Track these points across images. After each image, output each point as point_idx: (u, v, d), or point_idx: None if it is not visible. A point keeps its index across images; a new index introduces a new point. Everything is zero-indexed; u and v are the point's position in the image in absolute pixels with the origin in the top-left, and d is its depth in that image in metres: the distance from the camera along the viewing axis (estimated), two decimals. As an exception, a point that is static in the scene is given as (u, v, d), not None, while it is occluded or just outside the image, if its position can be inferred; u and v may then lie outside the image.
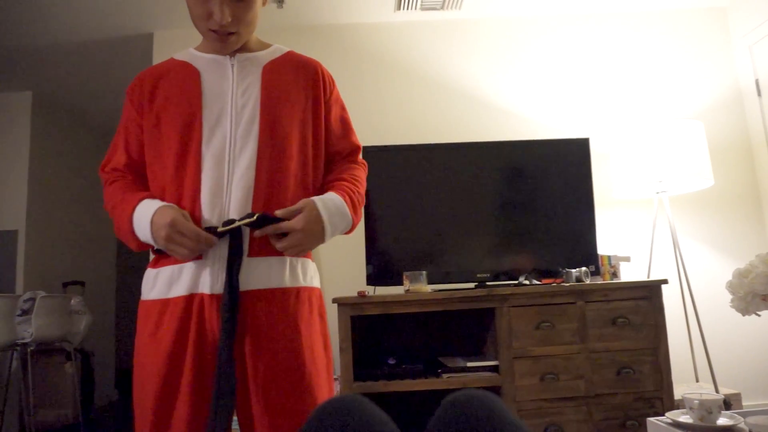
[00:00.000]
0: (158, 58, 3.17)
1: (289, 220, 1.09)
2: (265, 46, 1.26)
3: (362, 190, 1.26)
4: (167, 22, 3.11)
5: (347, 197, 1.18)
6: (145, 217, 1.07)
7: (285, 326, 1.08)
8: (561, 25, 3.21)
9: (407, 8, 3.06)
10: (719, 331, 2.94)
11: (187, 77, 1.16)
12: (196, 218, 1.08)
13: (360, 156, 1.32)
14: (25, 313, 3.46)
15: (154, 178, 1.15)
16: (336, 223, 1.14)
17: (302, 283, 1.14)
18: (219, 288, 1.06)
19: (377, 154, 2.59)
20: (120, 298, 5.52)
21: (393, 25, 3.20)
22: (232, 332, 1.02)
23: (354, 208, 1.19)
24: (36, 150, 4.09)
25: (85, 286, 4.47)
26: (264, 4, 1.23)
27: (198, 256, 1.08)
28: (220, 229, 1.05)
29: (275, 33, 3.14)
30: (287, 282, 1.11)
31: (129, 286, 5.93)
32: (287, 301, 1.10)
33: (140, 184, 1.19)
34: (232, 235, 1.06)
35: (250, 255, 1.09)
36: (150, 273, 1.14)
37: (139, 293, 6.18)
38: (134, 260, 6.08)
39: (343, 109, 1.31)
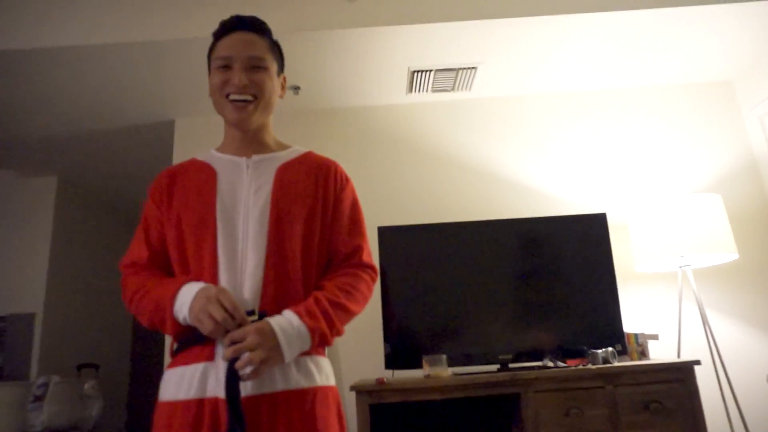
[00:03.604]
0: (179, 144, 3.28)
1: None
2: (283, 147, 1.29)
3: (347, 298, 1.14)
4: (188, 110, 3.24)
5: (312, 312, 1.08)
6: (191, 291, 1.07)
7: (303, 430, 1.03)
8: (572, 101, 3.28)
9: (419, 91, 3.16)
10: (759, 412, 2.77)
11: (204, 177, 1.20)
12: None
13: (363, 258, 1.24)
14: (38, 399, 3.39)
15: (175, 267, 1.17)
16: (292, 343, 1.05)
17: (318, 382, 1.10)
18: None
19: (393, 234, 2.58)
20: (133, 384, 5.42)
21: (405, 107, 3.29)
22: None
23: (322, 319, 1.09)
24: (58, 234, 4.17)
25: (99, 370, 4.41)
26: (282, 95, 1.28)
27: (210, 357, 1.05)
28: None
29: (292, 117, 3.24)
30: (303, 382, 1.08)
31: (142, 373, 5.83)
32: (304, 403, 1.06)
33: (168, 275, 1.20)
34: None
35: None
36: (166, 374, 1.12)
37: (152, 381, 6.09)
38: (149, 347, 6.02)
39: (354, 207, 1.27)
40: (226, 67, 1.18)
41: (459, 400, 2.59)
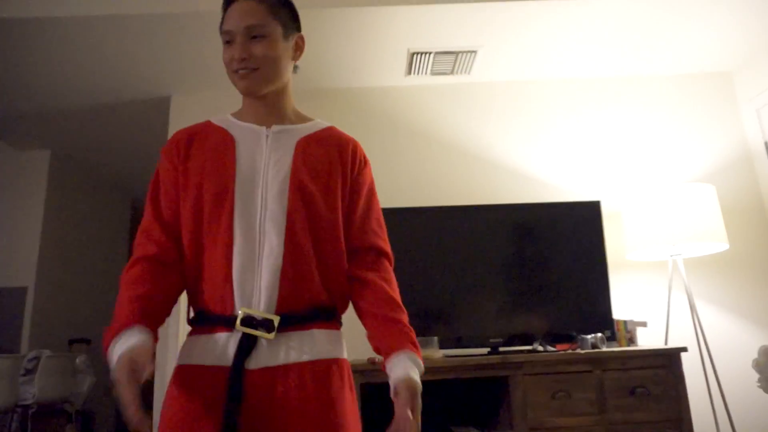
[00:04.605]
0: (175, 120, 3.25)
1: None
2: (304, 120, 1.24)
3: (399, 305, 1.17)
4: (184, 86, 3.21)
5: (412, 340, 1.11)
6: (120, 347, 0.97)
7: (318, 402, 1.02)
8: (570, 88, 3.27)
9: (417, 73, 3.15)
10: (743, 400, 2.83)
11: (222, 144, 1.14)
12: (228, 299, 1.05)
13: (385, 248, 1.25)
14: (29, 372, 3.40)
15: (189, 241, 1.10)
16: (417, 368, 1.07)
17: (332, 355, 1.10)
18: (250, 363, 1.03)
19: (388, 217, 2.58)
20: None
21: (404, 89, 3.28)
22: (232, 413, 0.98)
23: (415, 341, 1.12)
24: (50, 208, 4.15)
25: (90, 344, 4.42)
26: (296, 57, 1.22)
27: (231, 327, 1.04)
28: (238, 328, 1.03)
29: (289, 97, 3.22)
30: (318, 354, 1.07)
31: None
32: (318, 374, 1.05)
33: (161, 276, 1.09)
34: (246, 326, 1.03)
35: (280, 331, 1.05)
36: (190, 339, 1.10)
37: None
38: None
39: (371, 191, 1.25)
40: (230, 42, 1.14)
41: (449, 381, 2.63)
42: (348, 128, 3.21)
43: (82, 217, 4.60)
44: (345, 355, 1.14)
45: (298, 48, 1.22)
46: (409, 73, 3.14)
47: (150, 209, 1.15)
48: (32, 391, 3.30)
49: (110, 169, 4.61)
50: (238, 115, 1.21)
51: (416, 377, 1.04)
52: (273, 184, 1.10)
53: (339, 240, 1.15)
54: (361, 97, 3.27)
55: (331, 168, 1.17)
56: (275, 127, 1.18)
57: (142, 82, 3.14)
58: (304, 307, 1.08)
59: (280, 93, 1.20)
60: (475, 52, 2.94)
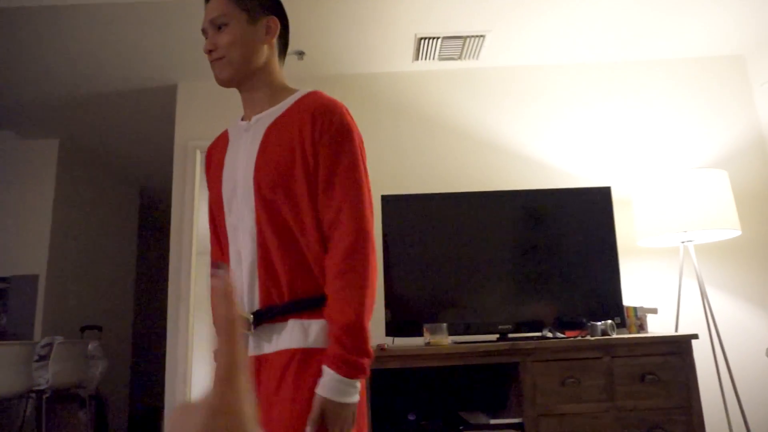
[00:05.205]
0: (182, 108, 3.25)
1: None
2: (284, 97, 1.21)
3: (352, 302, 1.03)
4: (191, 74, 3.19)
5: (337, 358, 1.02)
6: None
7: (285, 390, 1.05)
8: (580, 73, 3.23)
9: (425, 58, 3.11)
10: (754, 388, 2.82)
11: (222, 149, 1.23)
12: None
13: (345, 223, 1.07)
14: (43, 358, 3.45)
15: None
16: (342, 390, 1.01)
17: (301, 344, 1.08)
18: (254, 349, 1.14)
19: (396, 203, 2.58)
20: (136, 343, 5.50)
21: (411, 75, 3.25)
22: None
23: (348, 353, 1.01)
24: (60, 195, 4.17)
25: (102, 331, 4.47)
26: (267, 40, 1.19)
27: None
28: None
29: (295, 83, 3.20)
30: (287, 344, 1.08)
31: (145, 331, 5.91)
32: (281, 364, 1.07)
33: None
34: None
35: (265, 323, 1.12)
36: None
37: (156, 338, 6.15)
38: (151, 309, 6.08)
39: (335, 158, 1.10)
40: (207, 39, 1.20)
41: (458, 368, 2.63)
42: (354, 114, 3.20)
43: (91, 205, 4.63)
44: (321, 344, 1.08)
45: (269, 30, 1.20)
46: (417, 58, 3.11)
47: (212, 227, 1.29)
48: (46, 377, 3.35)
49: (118, 157, 4.62)
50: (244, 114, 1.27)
51: (337, 398, 0.99)
52: (245, 186, 1.13)
53: (306, 236, 1.11)
54: (369, 83, 3.25)
55: (292, 156, 1.10)
56: (254, 118, 1.19)
57: (149, 70, 3.13)
58: (282, 302, 1.10)
59: (258, 78, 1.20)
60: (483, 36, 2.90)
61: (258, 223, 1.10)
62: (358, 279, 1.04)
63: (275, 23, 1.21)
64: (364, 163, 1.14)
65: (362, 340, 1.02)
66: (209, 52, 1.16)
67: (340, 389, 1.01)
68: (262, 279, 1.10)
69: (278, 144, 1.12)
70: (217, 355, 0.34)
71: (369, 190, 1.13)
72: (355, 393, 1.03)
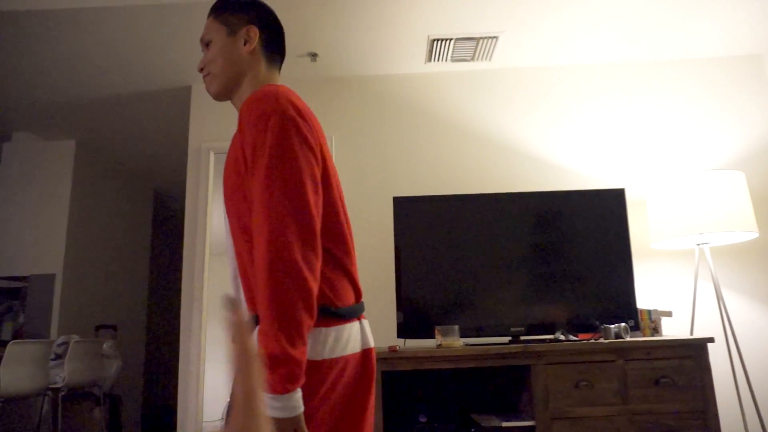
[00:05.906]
0: (196, 109, 3.28)
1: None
2: None
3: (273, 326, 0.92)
4: (205, 75, 3.22)
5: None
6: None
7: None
8: (593, 73, 3.21)
9: (438, 60, 3.11)
10: (770, 391, 2.77)
11: None
12: None
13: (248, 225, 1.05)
14: (59, 357, 3.50)
15: None
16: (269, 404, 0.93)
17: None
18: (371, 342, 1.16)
19: (408, 204, 2.58)
20: (149, 342, 5.55)
21: (424, 76, 3.25)
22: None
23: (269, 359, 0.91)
24: (77, 196, 4.23)
25: (117, 330, 4.52)
26: (247, 49, 1.19)
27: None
28: None
29: (308, 85, 3.21)
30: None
31: (158, 331, 5.96)
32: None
33: None
34: None
35: None
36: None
37: (169, 338, 6.20)
38: (165, 305, 6.14)
39: (254, 153, 1.01)
40: None
41: (470, 370, 2.62)
42: (367, 116, 3.21)
43: (107, 206, 4.68)
44: (314, 356, 1.02)
45: (248, 40, 1.21)
46: (430, 60, 3.11)
47: None
48: (62, 375, 3.39)
49: (133, 157, 4.67)
50: None
51: (271, 413, 0.91)
52: (223, 198, 1.21)
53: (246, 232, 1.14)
54: (381, 84, 3.25)
55: (237, 164, 1.08)
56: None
57: (163, 72, 3.16)
58: (253, 314, 1.09)
59: (244, 88, 1.21)
60: (496, 37, 2.89)
61: (233, 235, 1.12)
62: (279, 307, 0.93)
63: (254, 32, 1.21)
64: (292, 149, 1.00)
65: (276, 364, 0.91)
66: (200, 70, 1.23)
67: (269, 404, 0.92)
68: (244, 288, 1.10)
69: (232, 151, 1.13)
70: (235, 385, 0.36)
71: (301, 179, 0.99)
72: (279, 409, 0.91)
